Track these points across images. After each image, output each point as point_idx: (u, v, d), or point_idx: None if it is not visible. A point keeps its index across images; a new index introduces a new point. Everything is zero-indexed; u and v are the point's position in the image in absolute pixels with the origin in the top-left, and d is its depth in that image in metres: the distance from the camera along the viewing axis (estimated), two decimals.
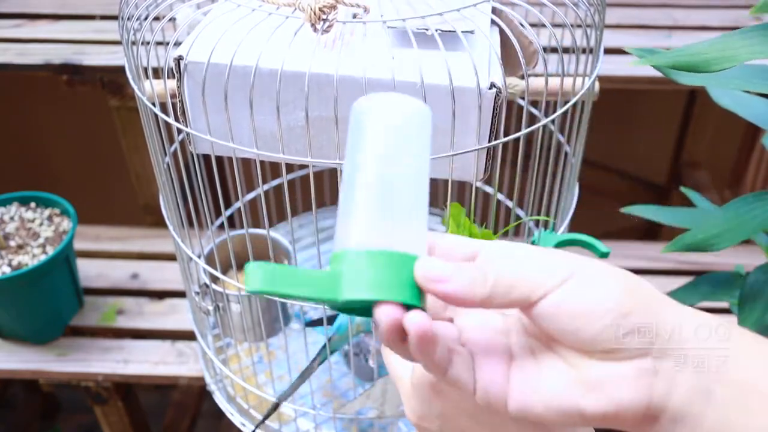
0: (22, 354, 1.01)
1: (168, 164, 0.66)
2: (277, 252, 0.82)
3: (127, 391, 1.08)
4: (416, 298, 0.31)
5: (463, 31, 0.53)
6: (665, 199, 1.70)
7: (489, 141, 0.56)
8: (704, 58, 0.52)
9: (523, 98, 0.60)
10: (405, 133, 0.33)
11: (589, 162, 1.48)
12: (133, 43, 0.60)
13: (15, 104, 1.64)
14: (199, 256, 0.71)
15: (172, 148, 0.66)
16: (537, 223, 0.83)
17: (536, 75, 0.71)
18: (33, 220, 1.01)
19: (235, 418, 0.83)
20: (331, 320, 0.72)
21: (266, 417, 0.76)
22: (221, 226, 0.70)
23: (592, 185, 1.26)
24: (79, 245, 1.16)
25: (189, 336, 1.03)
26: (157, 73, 0.61)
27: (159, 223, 1.18)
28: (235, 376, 0.80)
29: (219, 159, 0.61)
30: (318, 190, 0.89)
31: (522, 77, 0.67)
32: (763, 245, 0.76)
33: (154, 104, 0.60)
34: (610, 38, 1.14)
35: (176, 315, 1.08)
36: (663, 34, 1.22)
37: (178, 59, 0.56)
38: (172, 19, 0.61)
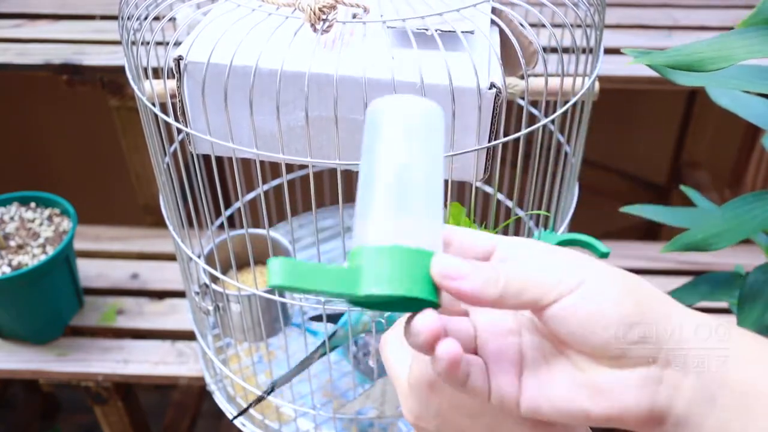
0: (22, 354, 1.01)
1: (168, 164, 0.66)
2: (277, 252, 0.82)
3: (127, 391, 1.08)
4: (432, 294, 0.32)
5: (463, 32, 0.53)
6: (665, 199, 1.70)
7: (489, 141, 0.56)
8: (700, 58, 0.52)
9: (523, 98, 0.60)
10: (420, 133, 0.33)
11: (589, 162, 1.48)
12: (133, 43, 0.60)
13: (15, 104, 1.64)
14: (199, 256, 0.71)
15: (172, 148, 0.66)
16: (537, 222, 0.83)
17: (536, 75, 0.71)
18: (33, 220, 1.01)
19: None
20: (335, 318, 0.72)
21: (258, 401, 0.75)
22: (221, 226, 0.70)
23: (592, 185, 1.26)
24: (79, 245, 1.16)
25: (189, 336, 1.03)
26: (157, 73, 0.61)
27: (159, 223, 1.18)
28: (235, 376, 0.80)
29: (219, 159, 0.61)
30: (318, 190, 0.89)
31: (522, 77, 0.67)
32: (763, 245, 0.76)
33: (154, 104, 0.60)
34: (610, 38, 1.14)
35: (176, 315, 1.08)
36: (663, 34, 1.22)
37: (178, 59, 0.56)
38: (172, 19, 0.61)
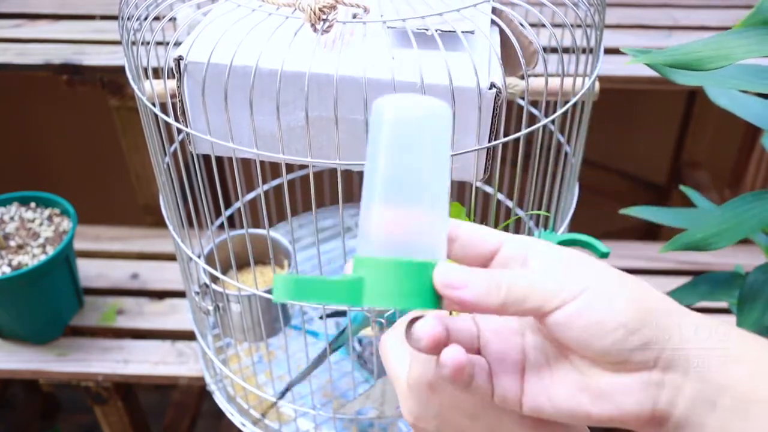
0: (22, 354, 1.01)
1: (168, 164, 0.66)
2: (277, 252, 0.82)
3: (127, 391, 1.08)
4: (434, 303, 0.33)
5: (463, 32, 0.53)
6: (665, 199, 1.70)
7: (489, 141, 0.56)
8: (698, 57, 0.52)
9: (523, 98, 0.60)
10: (422, 132, 0.33)
11: (589, 162, 1.48)
12: (133, 43, 0.60)
13: (15, 104, 1.64)
14: (199, 256, 0.71)
15: (172, 148, 0.66)
16: (537, 222, 0.83)
17: (536, 75, 0.71)
18: (33, 220, 1.01)
19: (235, 418, 0.83)
20: (343, 313, 0.73)
21: (280, 397, 0.76)
22: (221, 226, 0.71)
23: (592, 185, 1.26)
24: (79, 245, 1.16)
25: (189, 336, 1.03)
26: (157, 73, 0.61)
27: (159, 223, 1.18)
28: (235, 376, 0.80)
29: (219, 159, 0.61)
30: (318, 190, 0.89)
31: (522, 77, 0.67)
32: (763, 245, 0.76)
33: (154, 104, 0.60)
34: (610, 38, 1.14)
35: (176, 315, 1.08)
36: (663, 34, 1.22)
37: (178, 59, 0.56)
38: (172, 19, 0.61)
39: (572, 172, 0.70)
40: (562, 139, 0.70)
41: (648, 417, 0.32)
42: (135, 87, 0.62)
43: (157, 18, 0.60)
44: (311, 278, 0.32)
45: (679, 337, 0.32)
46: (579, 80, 0.60)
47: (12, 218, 1.01)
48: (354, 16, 0.55)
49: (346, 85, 0.54)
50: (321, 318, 0.80)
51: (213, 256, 0.74)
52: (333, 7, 0.53)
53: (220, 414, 0.86)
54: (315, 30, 0.53)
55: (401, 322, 0.41)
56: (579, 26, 0.60)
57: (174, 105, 0.59)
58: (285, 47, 0.52)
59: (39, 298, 0.98)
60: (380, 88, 0.53)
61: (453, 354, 0.32)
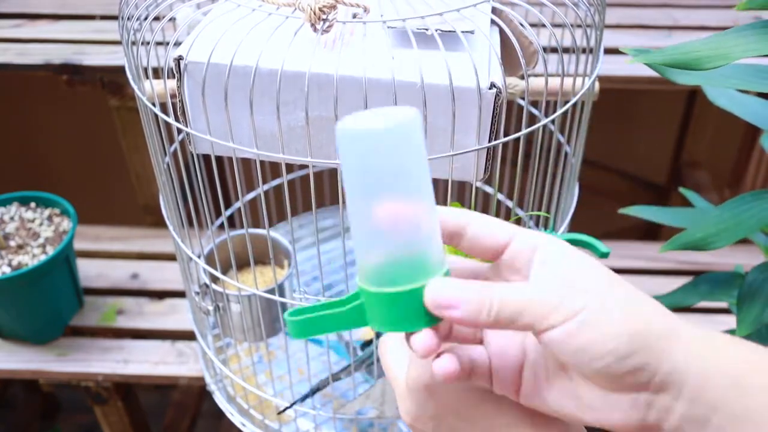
0: (22, 354, 1.01)
1: (168, 164, 0.66)
2: (277, 252, 0.82)
3: (127, 391, 1.08)
4: (429, 321, 0.34)
5: (463, 31, 0.53)
6: (665, 199, 1.70)
7: (489, 141, 0.56)
8: (697, 56, 0.52)
9: (523, 98, 0.60)
10: (389, 152, 0.32)
11: (589, 162, 1.48)
12: (133, 43, 0.60)
13: (15, 104, 1.64)
14: (199, 256, 0.71)
15: (172, 148, 0.66)
16: (537, 222, 0.83)
17: (536, 75, 0.71)
18: (33, 220, 1.01)
19: (235, 418, 0.83)
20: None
21: (305, 397, 0.77)
22: (221, 226, 0.71)
23: (592, 185, 1.26)
24: (79, 245, 1.16)
25: (189, 336, 1.03)
26: (157, 73, 0.61)
27: (159, 223, 1.18)
28: (235, 376, 0.80)
29: (219, 159, 0.61)
30: (318, 190, 0.89)
31: (522, 77, 0.67)
32: (762, 245, 0.76)
33: (154, 104, 0.60)
34: (610, 38, 1.14)
35: (176, 315, 1.08)
36: (663, 34, 1.22)
37: (178, 59, 0.56)
38: (172, 19, 0.61)
39: (572, 172, 0.70)
40: (562, 139, 0.70)
41: (637, 428, 0.32)
42: (135, 87, 0.62)
43: (157, 18, 0.60)
44: (316, 315, 0.35)
45: (673, 362, 0.31)
46: (579, 80, 0.60)
47: (12, 218, 1.01)
48: (354, 16, 0.55)
49: (346, 85, 0.54)
50: (347, 344, 0.81)
51: (213, 256, 0.74)
52: (333, 7, 0.53)
53: (220, 414, 0.86)
54: (315, 30, 0.53)
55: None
56: (579, 26, 0.60)
57: (174, 105, 0.59)
58: (285, 47, 0.52)
59: (39, 298, 0.98)
60: (380, 88, 0.54)
61: (444, 366, 0.33)
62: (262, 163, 0.58)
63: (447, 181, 0.56)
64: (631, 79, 1.11)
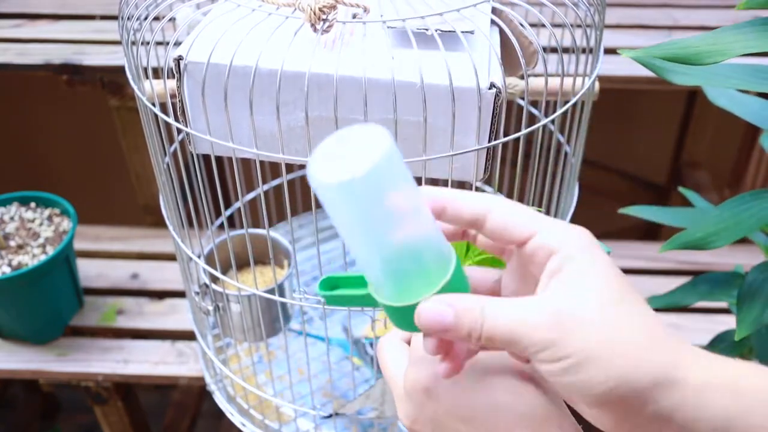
0: (22, 354, 1.01)
1: (168, 164, 0.66)
2: (277, 252, 0.82)
3: (127, 391, 1.08)
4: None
5: (463, 32, 0.53)
6: (665, 199, 1.70)
7: (489, 141, 0.56)
8: (696, 51, 0.52)
9: (523, 98, 0.60)
10: (365, 191, 0.31)
11: (589, 162, 1.48)
12: (133, 43, 0.60)
13: (15, 104, 1.64)
14: (199, 256, 0.71)
15: (172, 148, 0.66)
16: None
17: (536, 75, 0.71)
18: (33, 220, 1.01)
19: (235, 418, 0.83)
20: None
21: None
22: (221, 226, 0.71)
23: (592, 185, 1.26)
24: (79, 245, 1.16)
25: (189, 336, 1.03)
26: (157, 73, 0.61)
27: (159, 223, 1.18)
28: (235, 376, 0.80)
29: (219, 159, 0.61)
30: None
31: (522, 77, 0.67)
32: (762, 244, 0.76)
33: (154, 104, 0.60)
34: (610, 38, 1.14)
35: (176, 315, 1.08)
36: (663, 34, 1.22)
37: (178, 59, 0.56)
38: (172, 19, 0.61)
39: (572, 172, 0.70)
40: (562, 139, 0.70)
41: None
42: (135, 87, 0.62)
43: (157, 18, 0.60)
44: (342, 294, 0.37)
45: (668, 398, 0.31)
46: (579, 80, 0.60)
47: (12, 218, 1.01)
48: (354, 16, 0.55)
49: (346, 85, 0.54)
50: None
51: (213, 256, 0.74)
52: (333, 7, 0.53)
53: (220, 414, 0.86)
54: (315, 30, 0.53)
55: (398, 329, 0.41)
56: (579, 26, 0.60)
57: (174, 105, 0.59)
58: (285, 47, 0.52)
59: (39, 298, 0.98)
60: (380, 88, 0.54)
61: (445, 371, 0.35)
62: (262, 163, 0.58)
63: (447, 181, 0.56)
64: (631, 79, 1.11)
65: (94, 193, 1.53)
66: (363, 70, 0.53)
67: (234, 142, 0.56)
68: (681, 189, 0.84)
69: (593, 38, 0.61)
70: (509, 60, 0.63)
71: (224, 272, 0.72)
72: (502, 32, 0.60)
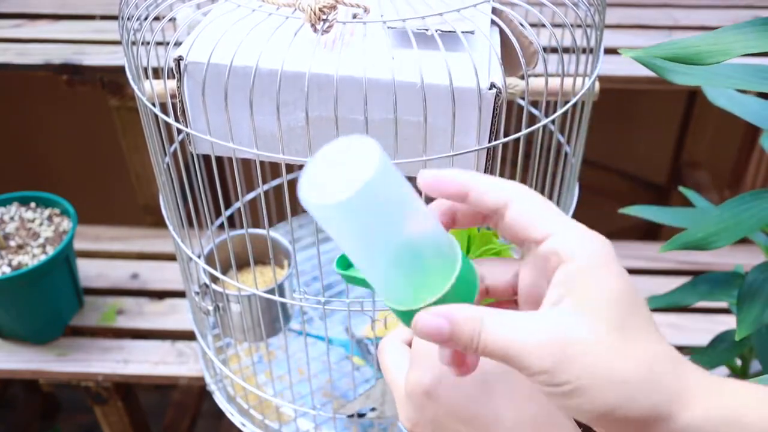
0: (22, 354, 1.01)
1: (168, 164, 0.66)
2: (277, 252, 0.82)
3: (127, 391, 1.08)
4: None
5: (463, 32, 0.53)
6: (665, 199, 1.71)
7: (489, 141, 0.56)
8: (697, 51, 0.52)
9: (523, 98, 0.60)
10: (358, 208, 0.30)
11: (589, 162, 1.48)
12: (133, 43, 0.60)
13: (15, 104, 1.64)
14: (199, 256, 0.71)
15: (172, 148, 0.66)
16: None
17: (536, 75, 0.71)
18: (33, 220, 1.01)
19: (235, 418, 0.83)
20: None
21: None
22: (221, 226, 0.71)
23: (592, 185, 1.26)
24: (79, 245, 1.16)
25: (189, 336, 1.03)
26: (157, 73, 0.61)
27: (159, 223, 1.18)
28: (235, 376, 0.80)
29: (219, 159, 0.61)
30: None
31: (522, 77, 0.67)
32: (762, 244, 0.76)
33: (154, 104, 0.60)
34: (610, 38, 1.14)
35: (176, 315, 1.08)
36: (663, 34, 1.22)
37: (178, 59, 0.56)
38: (172, 19, 0.61)
39: (572, 172, 0.70)
40: (562, 139, 0.70)
41: None
42: (135, 87, 0.62)
43: (157, 18, 0.60)
44: (357, 277, 0.38)
45: (667, 427, 0.30)
46: (579, 80, 0.60)
47: (12, 218, 1.01)
48: (354, 16, 0.55)
49: (346, 85, 0.54)
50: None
51: (213, 256, 0.74)
52: (333, 7, 0.53)
53: (220, 414, 0.86)
54: (315, 30, 0.53)
55: (398, 330, 0.41)
56: (579, 26, 0.60)
57: (174, 105, 0.59)
58: (285, 47, 0.52)
59: (39, 298, 0.98)
60: (380, 88, 0.54)
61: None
62: (262, 163, 0.58)
63: None
64: (631, 79, 1.11)
65: (94, 193, 1.53)
66: (363, 71, 0.53)
67: (234, 142, 0.56)
68: (681, 189, 0.84)
69: (593, 38, 0.61)
70: (509, 60, 0.63)
71: (224, 272, 0.72)
72: (502, 32, 0.60)
